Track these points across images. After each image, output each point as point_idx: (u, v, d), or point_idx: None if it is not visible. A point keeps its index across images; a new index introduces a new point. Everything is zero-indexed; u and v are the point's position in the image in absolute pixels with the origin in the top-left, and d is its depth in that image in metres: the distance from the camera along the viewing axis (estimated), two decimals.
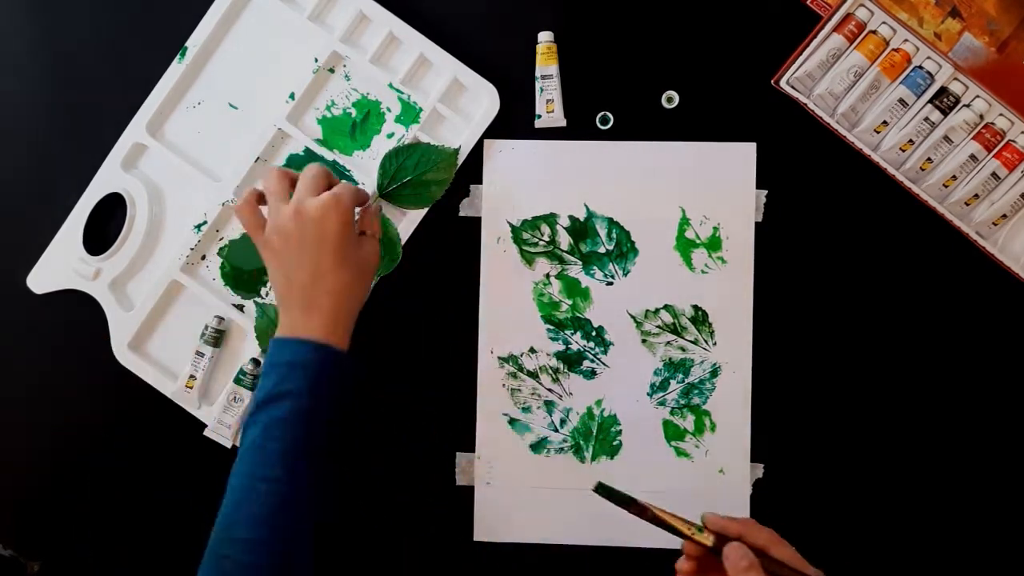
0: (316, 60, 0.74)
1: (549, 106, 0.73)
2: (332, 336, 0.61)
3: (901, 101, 0.70)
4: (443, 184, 0.72)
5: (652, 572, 0.73)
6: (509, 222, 0.74)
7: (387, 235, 0.72)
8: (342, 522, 0.75)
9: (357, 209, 0.66)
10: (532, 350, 0.74)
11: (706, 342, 0.74)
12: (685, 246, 0.74)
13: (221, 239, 0.75)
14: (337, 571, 0.75)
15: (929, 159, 0.71)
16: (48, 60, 0.76)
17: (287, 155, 0.75)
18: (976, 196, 0.71)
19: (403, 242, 0.73)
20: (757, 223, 0.73)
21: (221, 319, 0.74)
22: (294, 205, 0.62)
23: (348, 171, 0.74)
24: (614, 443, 0.74)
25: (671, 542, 0.74)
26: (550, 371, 0.74)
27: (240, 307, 0.75)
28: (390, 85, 0.73)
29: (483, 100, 0.73)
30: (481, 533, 0.74)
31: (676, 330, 0.74)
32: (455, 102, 0.74)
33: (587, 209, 0.74)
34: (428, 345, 0.75)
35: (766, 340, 0.73)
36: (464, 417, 0.74)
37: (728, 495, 0.73)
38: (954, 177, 0.71)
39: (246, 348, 0.74)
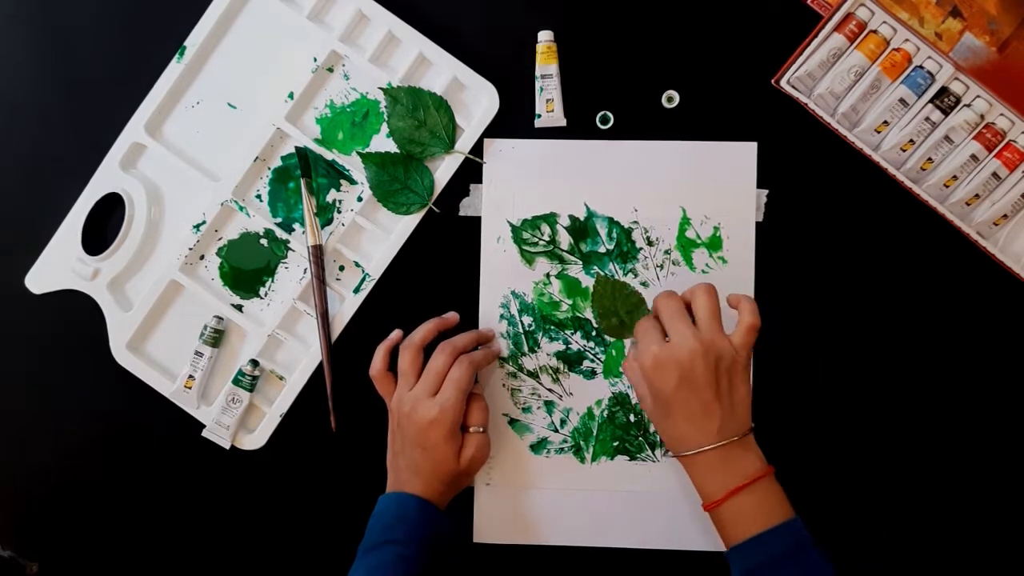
0: (315, 59, 0.73)
1: (549, 105, 0.73)
2: (432, 495, 0.67)
3: (902, 101, 0.70)
4: None
5: (652, 572, 0.73)
6: (509, 222, 0.74)
7: None
8: (341, 522, 0.75)
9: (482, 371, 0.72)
10: (532, 348, 0.74)
11: None
12: (686, 246, 0.74)
13: (220, 239, 0.75)
14: (336, 571, 0.75)
15: (930, 159, 0.71)
16: (46, 60, 0.76)
17: (285, 154, 0.75)
18: (977, 196, 0.71)
19: (403, 242, 0.73)
20: (758, 223, 0.73)
21: (220, 319, 0.74)
22: (410, 404, 0.68)
23: (348, 170, 0.74)
24: (614, 443, 0.74)
25: (671, 543, 0.74)
26: (550, 371, 0.74)
27: (239, 307, 0.75)
28: (389, 85, 0.73)
29: (483, 99, 0.73)
30: (481, 534, 0.74)
31: None
32: (455, 101, 0.74)
33: (587, 209, 0.74)
34: (428, 345, 0.74)
35: (766, 340, 0.73)
36: None
37: None
38: (955, 177, 0.71)
39: (245, 348, 0.74)
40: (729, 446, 0.62)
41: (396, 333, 0.72)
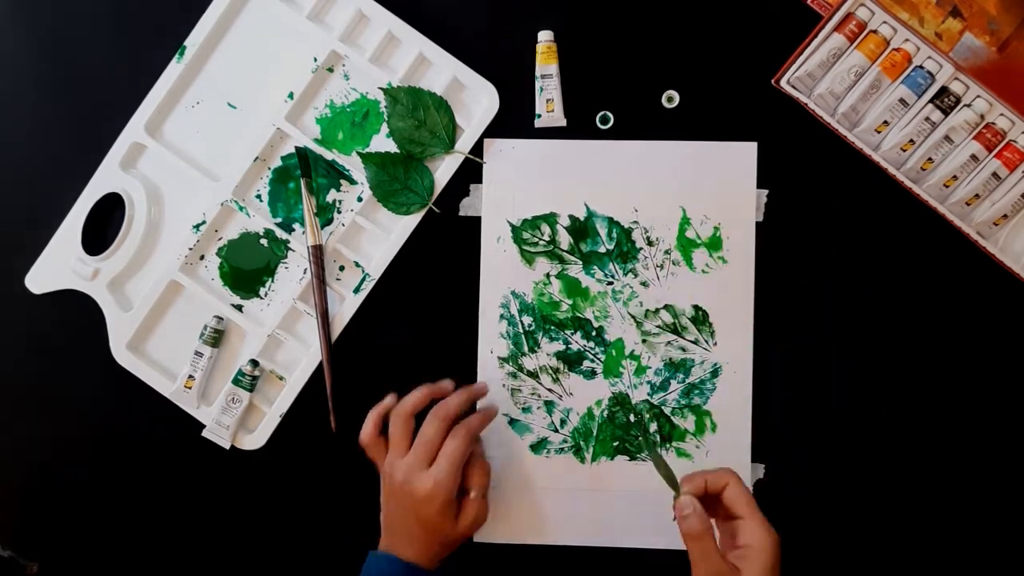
0: (315, 59, 0.73)
1: (549, 105, 0.73)
2: (425, 559, 0.66)
3: (902, 101, 0.70)
4: None
5: (651, 573, 0.73)
6: (509, 221, 0.74)
7: None
8: (340, 522, 0.75)
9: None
10: (532, 348, 0.74)
11: (707, 342, 0.74)
12: (686, 246, 0.74)
13: (220, 239, 0.75)
14: (335, 571, 0.75)
15: (930, 159, 0.71)
16: (46, 60, 0.76)
17: (285, 154, 0.75)
18: (977, 196, 0.71)
19: (403, 242, 0.73)
20: (758, 223, 0.73)
21: (220, 319, 0.74)
22: (403, 474, 0.66)
23: (348, 170, 0.74)
24: (614, 443, 0.74)
25: (671, 543, 0.74)
26: (550, 371, 0.74)
27: (239, 307, 0.75)
28: (389, 85, 0.73)
29: (483, 99, 0.73)
30: (481, 534, 0.74)
31: (676, 330, 0.74)
32: (455, 101, 0.74)
33: (587, 208, 0.74)
34: (428, 345, 0.74)
35: (767, 340, 0.73)
36: (463, 417, 0.74)
37: None
38: (955, 177, 0.71)
39: (245, 348, 0.74)
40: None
41: (390, 399, 0.69)
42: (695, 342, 0.74)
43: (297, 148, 0.73)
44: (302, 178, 0.73)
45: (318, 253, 0.73)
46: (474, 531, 0.68)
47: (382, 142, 0.74)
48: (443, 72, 0.73)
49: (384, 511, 0.69)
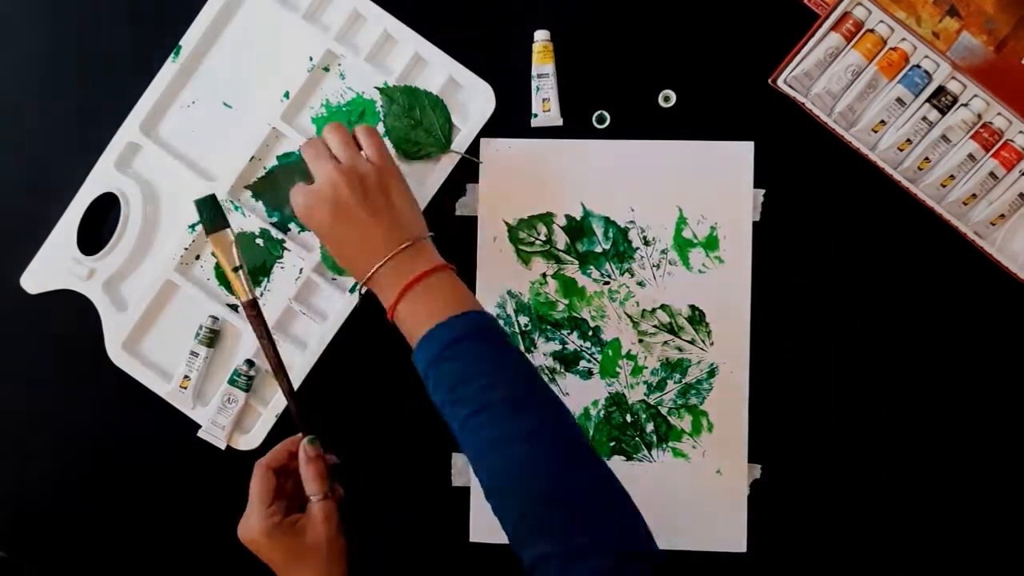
0: (311, 59, 0.73)
1: (545, 105, 0.73)
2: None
3: (899, 100, 0.70)
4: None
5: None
6: (505, 221, 0.74)
7: None
8: None
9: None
10: (528, 348, 0.74)
11: (703, 342, 0.73)
12: (682, 245, 0.73)
13: None
14: None
15: (927, 158, 0.71)
16: (41, 60, 0.76)
17: (281, 153, 0.74)
18: (974, 196, 0.70)
19: None
20: (755, 222, 0.73)
21: (215, 319, 0.74)
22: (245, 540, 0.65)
23: None
24: (611, 444, 0.74)
25: (670, 543, 0.73)
26: (546, 371, 0.74)
27: (234, 307, 0.74)
28: (385, 84, 0.73)
29: (479, 99, 0.73)
30: (477, 534, 0.74)
31: (673, 330, 0.74)
32: (451, 101, 0.74)
33: (584, 208, 0.74)
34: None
35: (764, 340, 0.73)
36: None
37: (725, 496, 0.73)
38: (952, 176, 0.70)
39: (240, 348, 0.74)
40: (402, 256, 0.62)
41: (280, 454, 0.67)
42: (692, 342, 0.73)
43: (196, 201, 0.66)
44: (208, 234, 0.65)
45: (254, 308, 0.66)
46: (333, 533, 0.63)
47: None
48: (439, 71, 0.73)
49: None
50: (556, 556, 0.52)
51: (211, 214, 0.66)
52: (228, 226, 0.66)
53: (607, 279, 0.74)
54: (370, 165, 0.64)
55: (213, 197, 0.66)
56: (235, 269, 0.65)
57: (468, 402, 0.58)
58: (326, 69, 0.74)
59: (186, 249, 0.74)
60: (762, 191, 0.73)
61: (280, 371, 0.67)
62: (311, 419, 0.67)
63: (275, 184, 0.73)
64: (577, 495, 0.55)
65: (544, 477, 0.55)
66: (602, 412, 0.74)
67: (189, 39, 0.73)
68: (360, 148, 0.66)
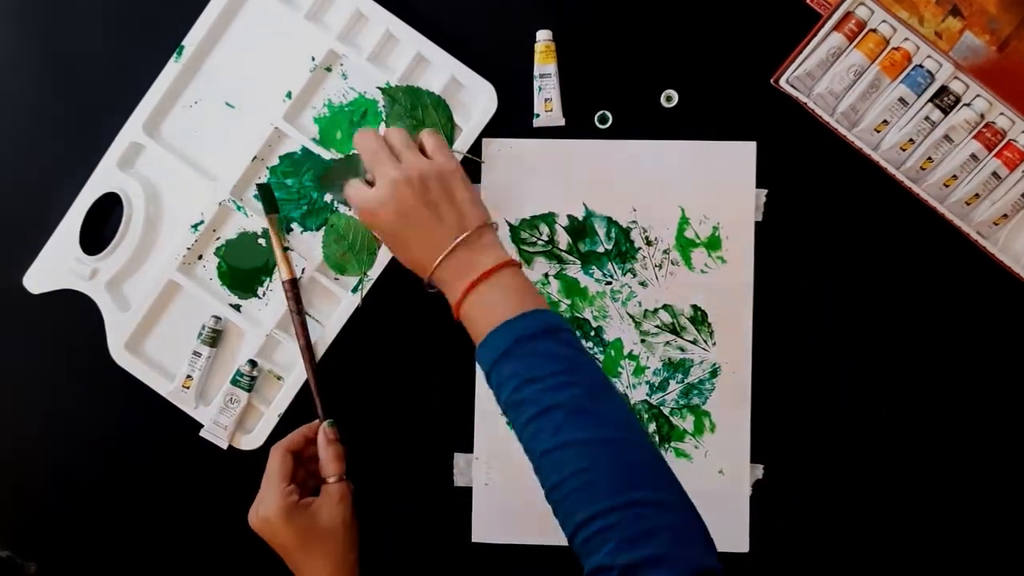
0: (313, 59, 0.73)
1: (547, 105, 0.73)
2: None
3: (901, 100, 0.70)
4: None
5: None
6: (507, 221, 0.74)
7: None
8: None
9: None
10: None
11: (705, 342, 0.73)
12: (684, 245, 0.73)
13: (218, 239, 0.75)
14: None
15: (929, 158, 0.70)
16: (44, 59, 0.76)
17: (283, 153, 0.74)
18: (977, 196, 0.70)
19: None
20: (757, 222, 0.73)
21: (218, 319, 0.74)
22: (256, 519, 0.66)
23: None
24: None
25: None
26: None
27: (237, 307, 0.75)
28: (387, 84, 0.73)
29: (481, 99, 0.73)
30: (479, 534, 0.74)
31: (675, 330, 0.74)
32: (453, 101, 0.74)
33: (586, 208, 0.74)
34: (426, 345, 0.74)
35: (766, 340, 0.73)
36: (462, 417, 0.74)
37: (728, 496, 0.72)
38: (955, 176, 0.70)
39: (243, 348, 0.74)
40: (465, 249, 0.61)
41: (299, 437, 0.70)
42: (694, 342, 0.73)
43: (258, 184, 0.73)
44: (267, 215, 0.72)
45: (294, 287, 0.72)
46: (348, 516, 0.66)
47: None
48: (441, 71, 0.73)
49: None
50: (617, 568, 0.51)
51: (270, 198, 0.72)
52: (278, 211, 0.72)
53: (609, 279, 0.74)
54: (432, 165, 0.64)
55: (270, 184, 0.73)
56: (285, 249, 0.72)
57: (533, 402, 0.56)
58: (328, 69, 0.74)
59: (188, 249, 0.74)
60: (764, 191, 0.73)
61: (308, 351, 0.72)
62: (329, 403, 0.71)
63: (334, 177, 0.72)
64: (641, 507, 0.53)
65: (607, 487, 0.54)
66: None
67: (192, 39, 0.73)
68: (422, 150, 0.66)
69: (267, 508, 0.65)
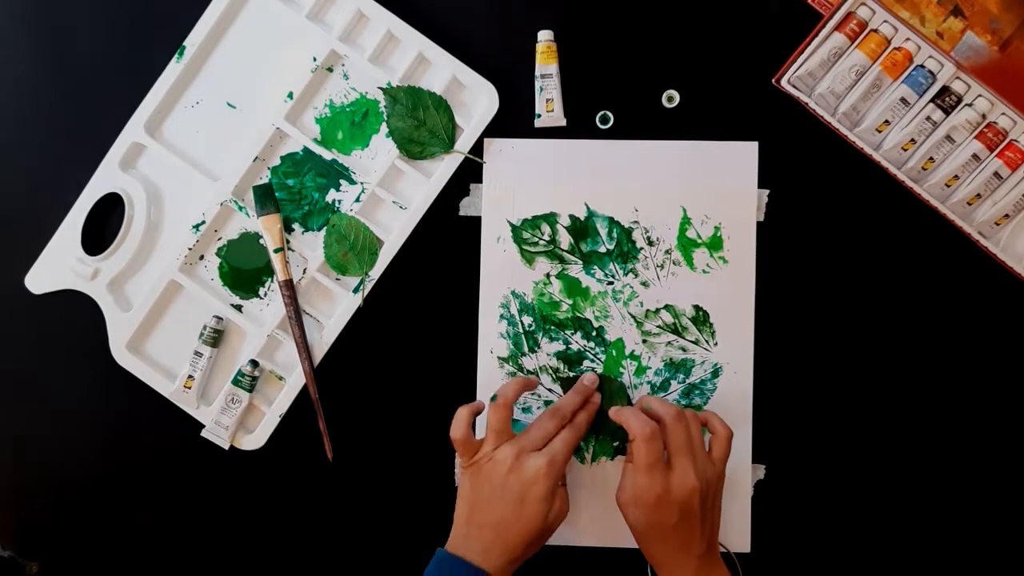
0: (314, 59, 0.73)
1: (549, 105, 0.73)
2: (506, 561, 0.64)
3: (903, 100, 0.70)
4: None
5: (652, 573, 0.73)
6: (509, 221, 0.74)
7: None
8: (339, 523, 0.75)
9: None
10: (532, 348, 0.74)
11: (707, 342, 0.73)
12: (686, 245, 0.73)
13: (219, 239, 0.75)
14: (335, 572, 0.75)
15: (931, 158, 0.70)
16: (46, 60, 0.76)
17: (284, 153, 0.74)
18: (978, 196, 0.70)
19: (402, 242, 0.73)
20: (759, 223, 0.73)
21: (219, 319, 0.74)
22: (512, 457, 0.65)
23: (348, 170, 0.74)
24: (614, 443, 0.74)
25: None
26: (550, 371, 0.74)
27: (238, 307, 0.75)
28: (388, 84, 0.73)
29: (482, 99, 0.73)
30: None
31: (677, 330, 0.74)
32: (454, 101, 0.74)
33: (587, 208, 0.74)
34: (428, 345, 0.74)
35: (768, 340, 0.73)
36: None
37: (729, 496, 0.72)
38: (956, 177, 0.70)
39: (244, 348, 0.74)
40: (701, 564, 0.64)
41: (481, 402, 0.69)
42: (695, 342, 0.73)
43: (254, 187, 0.73)
44: (258, 217, 0.72)
45: (290, 288, 0.73)
46: (557, 525, 0.66)
47: (382, 142, 0.74)
48: (443, 72, 0.73)
49: (467, 505, 0.66)
50: None
51: (264, 198, 0.72)
52: (278, 211, 0.72)
53: (611, 279, 0.74)
54: (714, 469, 0.65)
55: (270, 184, 0.73)
56: (276, 250, 0.72)
57: None
58: (330, 69, 0.74)
59: (190, 249, 0.74)
60: (766, 191, 0.73)
61: (304, 349, 0.72)
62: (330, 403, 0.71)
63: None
64: None
65: None
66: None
67: (193, 39, 0.73)
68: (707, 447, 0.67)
69: (553, 464, 0.65)
